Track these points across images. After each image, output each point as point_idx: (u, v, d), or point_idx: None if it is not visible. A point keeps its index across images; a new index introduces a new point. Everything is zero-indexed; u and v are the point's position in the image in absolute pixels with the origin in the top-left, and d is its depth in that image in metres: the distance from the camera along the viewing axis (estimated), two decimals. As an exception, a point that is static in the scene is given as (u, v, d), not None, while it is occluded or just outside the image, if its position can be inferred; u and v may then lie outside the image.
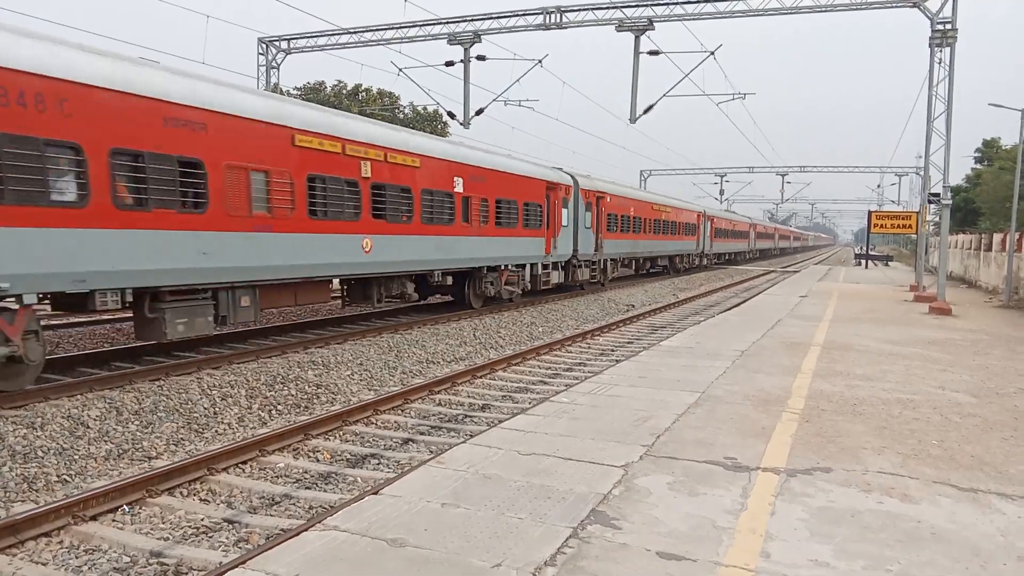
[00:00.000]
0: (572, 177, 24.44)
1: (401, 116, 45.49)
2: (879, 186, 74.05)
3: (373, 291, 15.18)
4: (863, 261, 52.87)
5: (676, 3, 22.73)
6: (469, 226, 17.68)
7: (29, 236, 8.39)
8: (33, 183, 8.43)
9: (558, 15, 23.75)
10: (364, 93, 44.73)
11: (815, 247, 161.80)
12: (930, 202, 22.41)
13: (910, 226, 38.44)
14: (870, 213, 41.81)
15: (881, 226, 40.36)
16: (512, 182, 19.82)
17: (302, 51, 27.61)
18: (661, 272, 39.67)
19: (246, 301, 11.74)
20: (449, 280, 17.58)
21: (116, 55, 9.86)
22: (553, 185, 22.36)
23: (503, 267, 19.85)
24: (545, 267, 22.29)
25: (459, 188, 17.26)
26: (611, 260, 28.62)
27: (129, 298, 9.87)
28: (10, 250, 8.22)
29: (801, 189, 77.52)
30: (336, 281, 16.12)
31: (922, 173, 24.62)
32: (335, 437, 9.02)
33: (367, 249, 13.92)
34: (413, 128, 38.50)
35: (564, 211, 23.14)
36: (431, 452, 8.38)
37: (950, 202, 20.30)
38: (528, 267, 21.19)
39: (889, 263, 56.83)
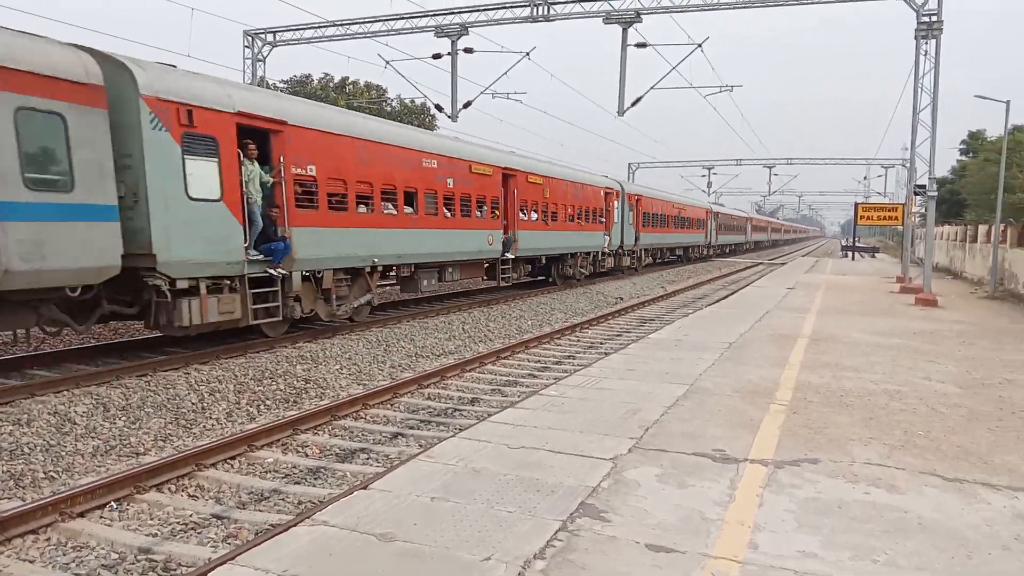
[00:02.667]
0: (620, 184, 31.79)
1: (388, 109, 45.33)
2: (865, 178, 74.28)
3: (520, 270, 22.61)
4: (850, 253, 53.18)
5: (664, -5, 22.70)
6: (561, 224, 24.72)
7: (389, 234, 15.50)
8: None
9: (545, 7, 23.68)
10: (351, 86, 44.51)
11: (805, 239, 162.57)
12: (916, 194, 22.55)
13: (896, 218, 38.66)
14: (857, 205, 42.03)
15: (868, 218, 40.60)
16: (584, 190, 27.03)
17: (288, 44, 27.42)
18: (675, 261, 44.20)
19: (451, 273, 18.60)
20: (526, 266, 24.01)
21: (461, 140, 19.81)
22: (609, 191, 29.68)
23: (578, 254, 26.76)
24: (603, 255, 29.38)
25: (558, 197, 24.44)
26: (644, 250, 35.66)
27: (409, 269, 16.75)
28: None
29: (788, 181, 77.64)
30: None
31: (908, 165, 24.73)
32: (324, 432, 9.01)
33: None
34: (400, 121, 38.41)
35: (616, 211, 30.48)
36: (420, 446, 8.38)
37: (936, 194, 20.41)
38: (592, 255, 28.16)
39: (875, 255, 57.15)
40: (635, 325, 18.49)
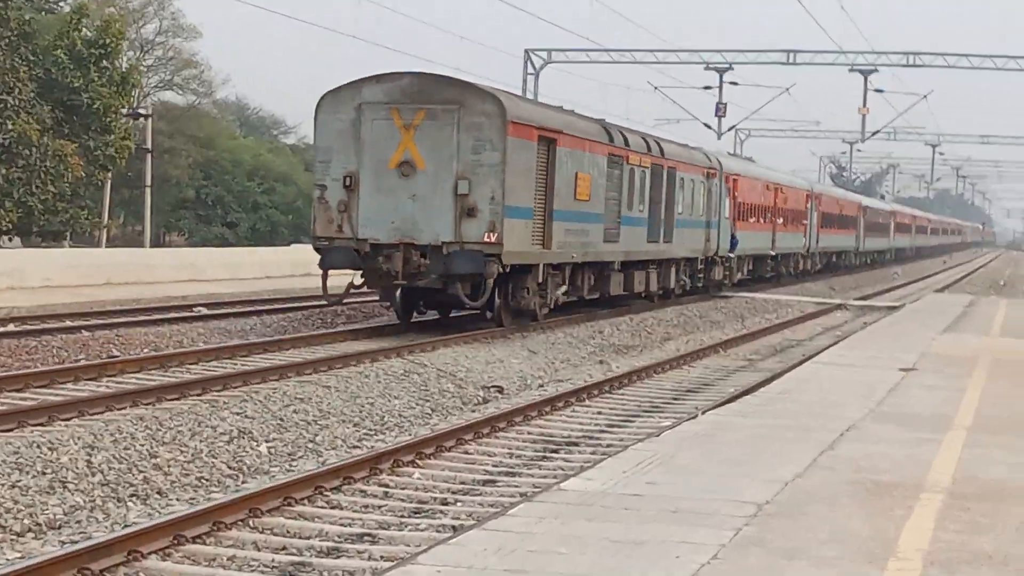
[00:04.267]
0: (811, 184, 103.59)
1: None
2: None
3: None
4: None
5: None
6: (836, 229, 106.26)
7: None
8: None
9: None
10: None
11: (952, 245, 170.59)
12: None
13: None
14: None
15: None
16: (840, 203, 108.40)
17: None
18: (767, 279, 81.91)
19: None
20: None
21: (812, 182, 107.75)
22: (808, 194, 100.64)
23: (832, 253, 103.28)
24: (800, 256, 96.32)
25: (830, 207, 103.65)
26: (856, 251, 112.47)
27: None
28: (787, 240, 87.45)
29: (907, 109, 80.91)
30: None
31: None
32: None
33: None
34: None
35: (809, 214, 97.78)
36: None
37: None
38: (844, 252, 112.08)
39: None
40: (529, 457, 18.50)
